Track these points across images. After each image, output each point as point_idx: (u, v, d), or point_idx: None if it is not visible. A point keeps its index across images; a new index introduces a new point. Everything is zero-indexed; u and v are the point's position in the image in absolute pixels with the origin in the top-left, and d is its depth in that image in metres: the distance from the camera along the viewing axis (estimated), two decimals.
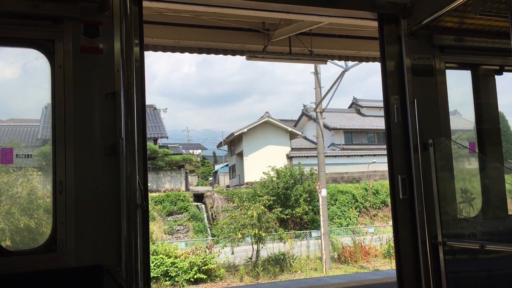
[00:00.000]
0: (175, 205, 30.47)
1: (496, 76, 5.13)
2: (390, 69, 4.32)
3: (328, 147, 40.86)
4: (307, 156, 37.89)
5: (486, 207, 4.69)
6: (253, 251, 22.39)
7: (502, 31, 4.57)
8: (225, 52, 8.17)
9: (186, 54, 8.01)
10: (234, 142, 42.28)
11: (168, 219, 29.70)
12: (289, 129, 40.08)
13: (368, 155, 39.35)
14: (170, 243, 23.63)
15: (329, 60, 9.96)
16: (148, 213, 3.57)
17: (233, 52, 8.23)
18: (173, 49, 7.75)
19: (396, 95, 4.29)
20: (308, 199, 28.87)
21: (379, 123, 41.90)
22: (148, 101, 3.80)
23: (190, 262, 19.73)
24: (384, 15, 4.34)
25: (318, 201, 24.99)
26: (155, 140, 36.69)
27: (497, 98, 5.15)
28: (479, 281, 4.42)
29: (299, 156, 38.10)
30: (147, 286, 3.39)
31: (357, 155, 39.68)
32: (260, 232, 21.85)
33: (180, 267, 19.61)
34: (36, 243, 3.59)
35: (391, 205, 4.31)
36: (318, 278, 15.79)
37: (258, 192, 28.61)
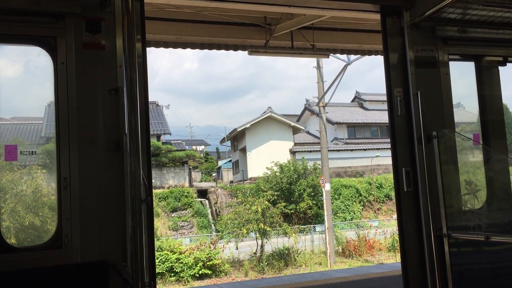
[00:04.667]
0: (179, 201, 30.55)
1: (500, 67, 5.10)
2: (393, 61, 4.30)
3: (331, 141, 40.81)
4: (310, 151, 37.88)
5: (490, 199, 4.68)
6: (257, 246, 22.43)
7: (505, 21, 4.53)
8: (227, 47, 8.15)
9: (188, 50, 8.00)
10: (237, 138, 42.29)
11: (172, 215, 29.79)
12: (292, 124, 40.04)
13: (372, 149, 39.29)
14: (174, 239, 23.73)
15: (332, 54, 9.92)
16: (152, 208, 3.57)
17: (235, 48, 8.22)
18: (175, 45, 7.74)
19: (399, 87, 4.27)
20: (312, 193, 28.88)
21: (382, 117, 41.80)
22: (150, 98, 3.80)
23: (194, 258, 19.80)
24: (386, 7, 4.32)
25: (322, 195, 25.02)
26: (158, 137, 36.74)
27: (501, 90, 5.12)
28: (484, 273, 4.41)
29: (302, 151, 38.08)
30: (153, 280, 3.40)
31: (361, 149, 39.62)
32: (265, 226, 21.88)
33: (185, 263, 19.69)
34: (41, 240, 3.60)
35: (395, 198, 4.31)
36: (322, 272, 15.83)
37: (262, 187, 28.64)
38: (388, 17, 4.33)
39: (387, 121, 4.43)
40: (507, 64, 5.09)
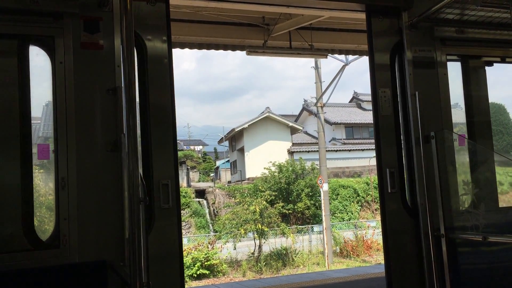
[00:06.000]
0: None
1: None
2: (379, 62, 4.31)
3: (329, 141, 40.84)
4: (308, 151, 37.88)
5: (488, 199, 4.69)
6: (255, 246, 22.43)
7: (503, 22, 4.55)
8: (225, 47, 8.16)
9: (186, 49, 8.00)
10: (235, 138, 42.27)
11: None
12: (290, 124, 40.03)
13: (369, 149, 39.23)
14: None
15: (330, 54, 9.93)
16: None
17: (233, 48, 8.22)
18: (173, 44, 7.72)
19: (385, 88, 4.29)
20: (310, 194, 28.87)
21: None
22: None
23: (192, 258, 19.77)
24: (384, 7, 4.32)
25: (319, 195, 25.01)
26: None
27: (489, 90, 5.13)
28: (482, 273, 4.42)
29: (300, 151, 38.09)
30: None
31: (358, 150, 39.66)
32: (263, 227, 21.87)
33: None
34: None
35: (379, 199, 4.24)
36: (320, 273, 15.83)
37: (260, 187, 28.62)
38: (387, 18, 4.34)
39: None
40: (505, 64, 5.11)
